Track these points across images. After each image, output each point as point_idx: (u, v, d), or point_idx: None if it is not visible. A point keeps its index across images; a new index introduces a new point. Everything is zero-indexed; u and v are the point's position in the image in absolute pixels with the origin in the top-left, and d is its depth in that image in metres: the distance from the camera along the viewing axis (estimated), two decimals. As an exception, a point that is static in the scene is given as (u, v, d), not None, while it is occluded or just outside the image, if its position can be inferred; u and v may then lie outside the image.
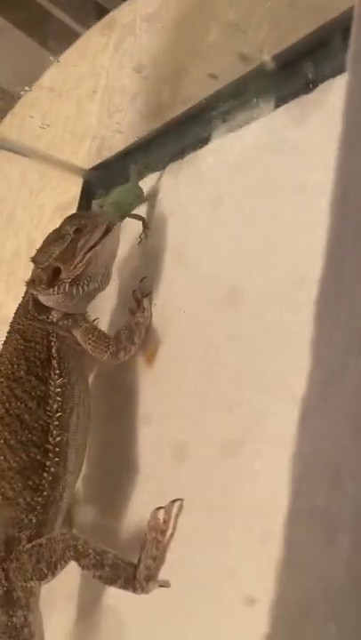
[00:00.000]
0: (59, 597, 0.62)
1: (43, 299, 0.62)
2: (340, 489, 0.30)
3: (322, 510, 0.31)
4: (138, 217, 0.70)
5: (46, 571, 0.54)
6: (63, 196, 0.99)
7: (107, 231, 0.63)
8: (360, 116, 0.35)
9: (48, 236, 0.64)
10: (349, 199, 0.34)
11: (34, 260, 0.63)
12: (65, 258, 0.61)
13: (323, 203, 0.48)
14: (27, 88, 0.81)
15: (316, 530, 0.32)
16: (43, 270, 0.62)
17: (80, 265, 0.61)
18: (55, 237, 0.63)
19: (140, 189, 0.70)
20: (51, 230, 0.65)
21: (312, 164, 0.50)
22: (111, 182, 0.81)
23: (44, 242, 0.64)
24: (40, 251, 0.63)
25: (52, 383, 0.59)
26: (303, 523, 0.34)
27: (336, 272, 0.35)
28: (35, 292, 0.63)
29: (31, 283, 0.63)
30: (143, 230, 0.70)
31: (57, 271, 0.62)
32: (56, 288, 0.61)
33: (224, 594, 0.46)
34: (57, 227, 0.64)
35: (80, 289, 0.61)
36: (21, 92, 0.83)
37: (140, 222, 0.70)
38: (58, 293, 0.61)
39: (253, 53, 0.57)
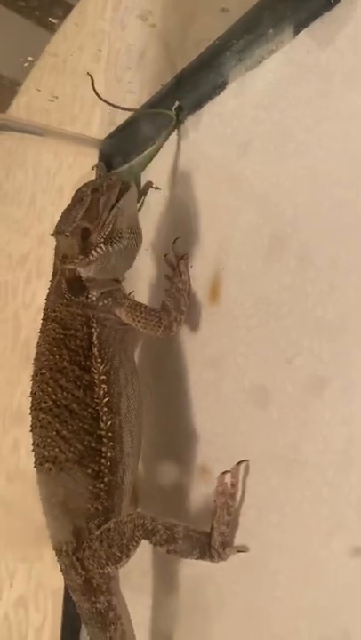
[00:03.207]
0: (133, 575, 0.61)
1: (83, 270, 0.59)
2: None
3: None
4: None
5: (120, 554, 0.53)
6: (80, 172, 0.96)
7: (123, 190, 0.59)
8: None
9: (64, 210, 0.61)
10: None
11: (56, 231, 0.60)
12: (91, 216, 0.58)
13: (364, 125, 0.44)
14: (30, 58, 0.77)
15: None
16: (71, 236, 0.58)
17: (108, 222, 0.58)
18: (74, 203, 0.60)
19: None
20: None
21: (348, 85, 0.46)
22: (129, 148, 0.77)
23: (61, 215, 0.60)
24: (60, 221, 0.60)
25: (96, 371, 0.57)
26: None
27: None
28: (72, 267, 0.59)
29: (64, 259, 0.59)
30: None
31: (86, 233, 0.58)
32: (93, 253, 0.58)
33: (310, 548, 0.44)
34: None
35: (116, 246, 0.58)
36: (25, 64, 0.80)
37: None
38: (97, 259, 0.58)
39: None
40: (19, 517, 1.03)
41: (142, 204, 0.67)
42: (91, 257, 0.58)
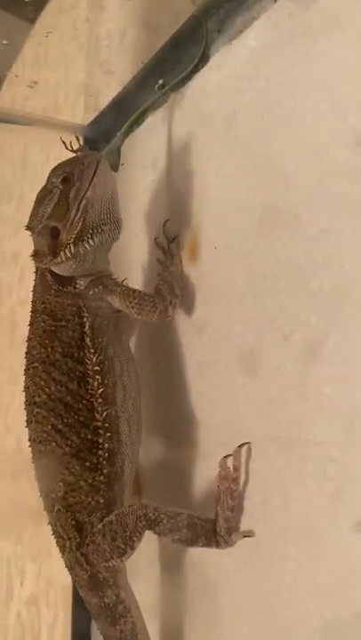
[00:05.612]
0: (140, 566, 0.60)
1: (56, 269, 0.57)
2: None
3: None
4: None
5: (124, 546, 0.52)
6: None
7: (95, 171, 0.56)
8: None
9: (37, 195, 0.58)
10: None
11: (28, 227, 0.58)
12: (59, 214, 0.55)
13: (352, 85, 0.42)
14: (4, 42, 0.75)
15: None
16: (40, 235, 0.56)
17: (78, 219, 0.55)
18: (44, 194, 0.57)
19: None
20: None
21: (331, 44, 0.44)
22: (111, 133, 0.75)
23: (34, 203, 0.58)
24: (32, 214, 0.58)
25: (89, 362, 0.55)
26: None
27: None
28: (42, 266, 0.58)
29: (35, 255, 0.58)
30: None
31: (55, 232, 0.56)
32: (62, 255, 0.55)
33: (318, 529, 0.42)
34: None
35: (87, 245, 0.55)
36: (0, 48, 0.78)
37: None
38: (66, 259, 0.56)
39: None
40: (27, 515, 1.02)
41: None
42: (59, 259, 0.56)
